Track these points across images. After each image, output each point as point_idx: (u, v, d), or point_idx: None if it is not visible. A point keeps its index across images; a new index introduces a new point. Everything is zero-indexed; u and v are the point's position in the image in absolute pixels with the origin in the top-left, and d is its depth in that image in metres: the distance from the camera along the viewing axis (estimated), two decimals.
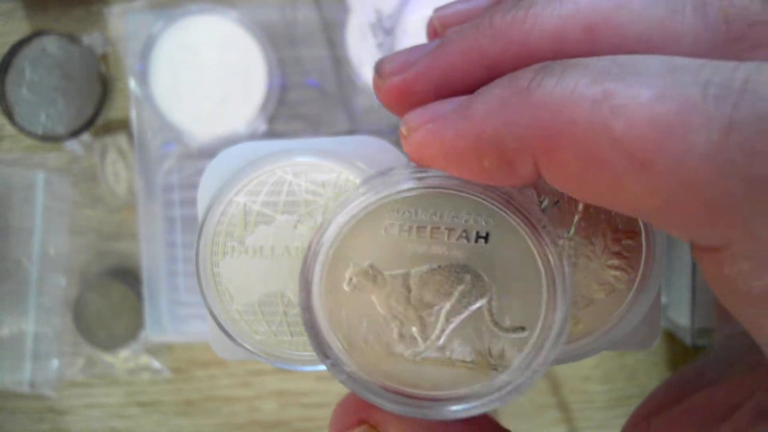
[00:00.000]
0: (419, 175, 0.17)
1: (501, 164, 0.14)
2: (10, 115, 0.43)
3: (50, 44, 0.43)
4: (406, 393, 0.17)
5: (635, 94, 0.12)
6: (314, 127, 0.42)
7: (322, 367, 0.19)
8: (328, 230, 0.17)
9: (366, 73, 0.41)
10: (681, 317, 0.36)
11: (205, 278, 0.19)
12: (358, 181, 0.19)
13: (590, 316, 0.18)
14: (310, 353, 0.19)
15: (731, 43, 0.13)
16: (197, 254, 0.19)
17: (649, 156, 0.11)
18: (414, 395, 0.17)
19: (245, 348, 0.19)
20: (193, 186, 0.41)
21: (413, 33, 0.40)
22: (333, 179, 0.19)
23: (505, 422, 0.19)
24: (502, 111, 0.13)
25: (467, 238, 0.17)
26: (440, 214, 0.17)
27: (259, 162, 0.19)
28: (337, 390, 0.48)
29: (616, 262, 0.18)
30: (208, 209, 0.19)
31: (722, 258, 0.12)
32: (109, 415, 0.46)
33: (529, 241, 0.16)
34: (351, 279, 0.17)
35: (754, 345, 0.13)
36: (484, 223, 0.17)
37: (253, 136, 0.42)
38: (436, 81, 0.15)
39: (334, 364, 0.17)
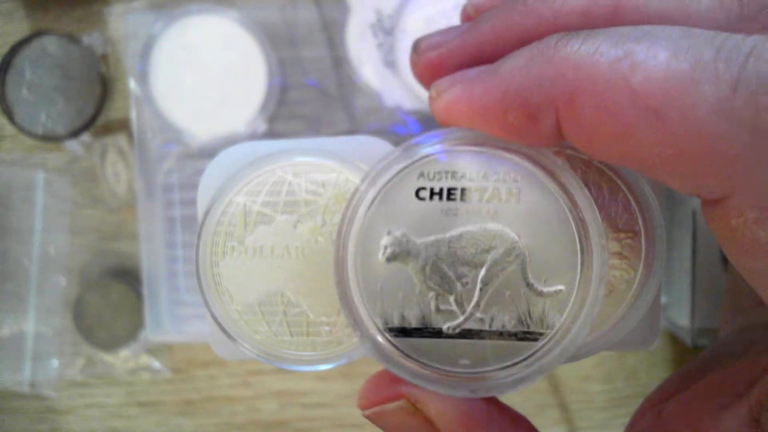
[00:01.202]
0: (447, 137, 0.17)
1: (525, 118, 0.14)
2: (10, 115, 0.43)
3: (50, 44, 0.43)
4: (446, 371, 0.17)
5: (653, 54, 0.13)
6: (314, 127, 0.42)
7: (322, 367, 0.19)
8: (361, 200, 0.17)
9: (366, 73, 0.41)
10: (681, 317, 0.36)
11: (205, 278, 0.19)
12: (358, 181, 0.19)
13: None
14: (310, 353, 0.19)
15: (744, 23, 0.14)
16: (197, 254, 0.19)
17: (662, 106, 0.12)
18: (454, 373, 0.17)
19: (245, 348, 0.19)
20: (193, 186, 0.41)
21: (413, 33, 0.40)
22: (333, 179, 0.19)
23: None
24: (529, 67, 0.14)
25: (498, 198, 0.16)
26: (470, 175, 0.17)
27: (259, 162, 0.19)
28: (337, 390, 0.49)
29: (616, 262, 0.18)
30: (208, 209, 0.19)
31: (728, 209, 0.13)
32: (109, 415, 0.46)
33: (559, 197, 0.16)
34: (386, 248, 0.17)
35: None
36: (513, 182, 0.16)
37: (253, 136, 0.42)
38: (469, 55, 0.16)
39: (369, 342, 0.17)
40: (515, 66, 0.14)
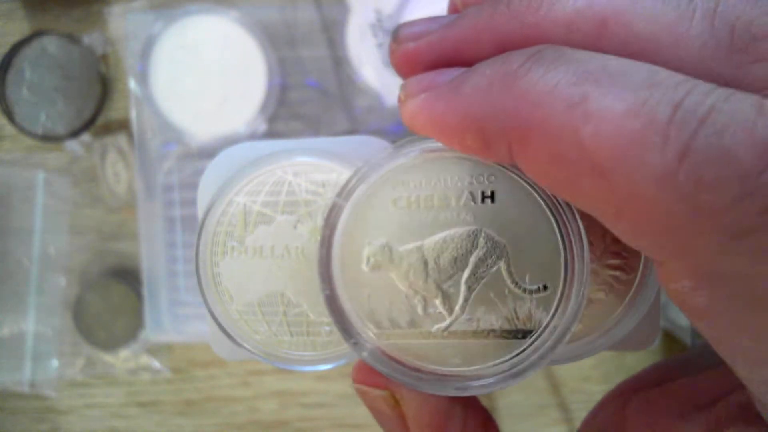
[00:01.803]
0: (416, 144, 0.17)
1: (481, 144, 0.14)
2: (10, 115, 0.43)
3: (50, 44, 0.43)
4: (436, 371, 0.17)
5: (609, 105, 0.12)
6: (314, 127, 0.42)
7: (322, 367, 0.19)
8: (339, 215, 0.17)
9: (366, 73, 0.41)
10: (681, 317, 0.36)
11: (205, 278, 0.19)
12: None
13: (590, 316, 0.18)
14: (310, 353, 0.19)
15: (735, 54, 0.13)
16: (197, 254, 0.19)
17: (607, 166, 0.12)
18: (444, 372, 0.17)
19: (245, 348, 0.19)
20: (193, 186, 0.41)
21: None
22: (333, 179, 0.19)
23: (505, 422, 0.19)
24: (488, 93, 0.14)
25: (473, 200, 0.17)
26: (444, 180, 0.17)
27: (259, 162, 0.19)
28: (337, 390, 0.49)
29: (615, 262, 0.18)
30: (208, 209, 0.19)
31: (667, 272, 0.13)
32: (109, 415, 0.46)
33: (535, 193, 0.16)
34: (369, 259, 0.17)
35: None
36: (487, 182, 0.17)
37: (253, 136, 0.42)
38: (446, 52, 0.16)
39: (360, 347, 0.17)
40: (476, 88, 0.14)
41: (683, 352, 0.20)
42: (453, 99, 0.15)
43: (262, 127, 0.42)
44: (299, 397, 0.45)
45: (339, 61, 0.41)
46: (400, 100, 0.16)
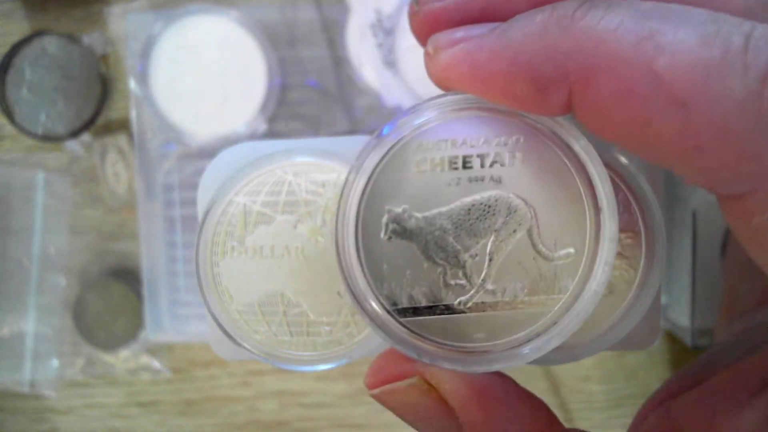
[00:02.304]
0: (442, 104, 0.16)
1: (533, 91, 0.13)
2: (10, 115, 0.43)
3: (50, 44, 0.43)
4: (461, 347, 0.16)
5: (681, 36, 0.12)
6: (314, 127, 0.42)
7: (322, 367, 0.19)
8: (357, 179, 0.16)
9: (366, 73, 0.41)
10: (681, 317, 0.36)
11: (205, 278, 0.19)
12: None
13: (590, 315, 0.18)
14: (310, 353, 0.19)
15: None
16: (197, 254, 0.19)
17: (687, 96, 0.12)
18: (470, 348, 0.16)
19: (245, 348, 0.19)
20: (193, 186, 0.41)
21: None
22: (333, 179, 0.19)
23: None
24: (543, 36, 0.13)
25: (501, 162, 0.16)
26: (470, 141, 0.16)
27: (259, 162, 0.19)
28: (337, 390, 0.49)
29: (616, 262, 0.18)
30: (208, 209, 0.19)
31: (749, 206, 0.13)
32: (109, 415, 0.46)
33: (563, 155, 0.16)
34: (387, 226, 0.16)
35: None
36: (516, 143, 0.16)
37: (253, 136, 0.42)
38: (477, 11, 0.15)
39: (378, 325, 0.16)
40: (527, 32, 0.13)
41: (704, 352, 0.20)
42: (499, 45, 0.14)
43: (262, 127, 0.42)
44: (299, 397, 0.45)
45: (339, 61, 0.41)
46: (428, 54, 0.15)
